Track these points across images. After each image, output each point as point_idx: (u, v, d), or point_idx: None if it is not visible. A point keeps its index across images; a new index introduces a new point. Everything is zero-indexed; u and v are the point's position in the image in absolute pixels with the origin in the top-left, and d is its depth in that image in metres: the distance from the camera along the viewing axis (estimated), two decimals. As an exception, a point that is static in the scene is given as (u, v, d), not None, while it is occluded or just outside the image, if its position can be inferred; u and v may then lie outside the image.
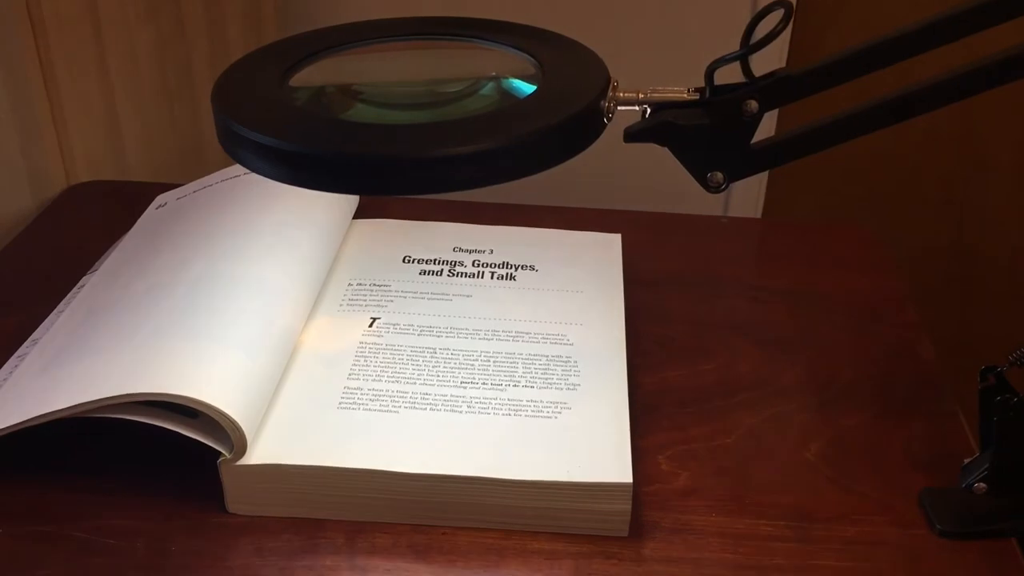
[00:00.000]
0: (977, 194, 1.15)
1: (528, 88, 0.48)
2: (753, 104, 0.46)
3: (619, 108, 0.47)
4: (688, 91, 0.47)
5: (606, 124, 0.47)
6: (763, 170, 0.48)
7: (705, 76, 0.46)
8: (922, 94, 0.45)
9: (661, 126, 0.47)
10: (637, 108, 0.48)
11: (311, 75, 0.51)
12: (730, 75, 0.47)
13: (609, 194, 0.92)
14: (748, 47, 0.44)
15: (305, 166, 0.44)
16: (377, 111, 0.51)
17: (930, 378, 0.64)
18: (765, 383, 0.63)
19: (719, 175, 0.48)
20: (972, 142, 1.12)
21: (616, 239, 0.72)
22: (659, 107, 0.47)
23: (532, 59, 0.50)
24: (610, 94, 0.47)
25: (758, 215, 1.12)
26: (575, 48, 0.51)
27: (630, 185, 0.97)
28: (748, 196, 1.09)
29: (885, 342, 0.67)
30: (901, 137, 1.02)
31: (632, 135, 0.47)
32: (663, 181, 0.94)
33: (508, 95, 0.50)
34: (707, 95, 0.47)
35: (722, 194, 1.08)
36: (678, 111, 0.47)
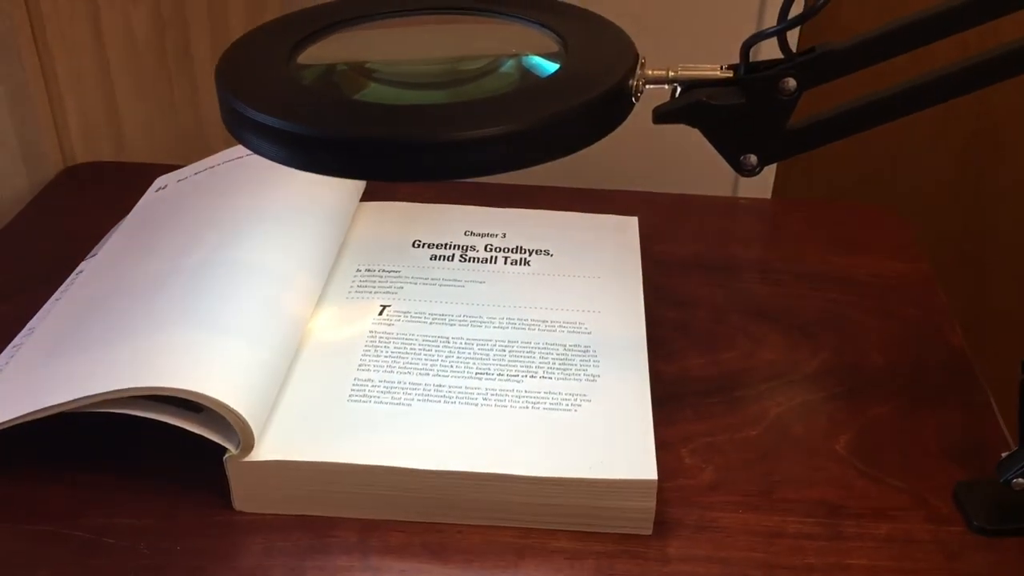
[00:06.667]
0: (993, 170, 1.13)
1: (551, 66, 0.46)
2: (791, 82, 0.43)
3: (647, 87, 0.45)
4: (721, 68, 0.45)
5: (634, 104, 0.44)
6: (800, 152, 0.46)
7: (740, 52, 0.44)
8: (985, 66, 0.42)
9: (693, 106, 0.44)
10: (666, 87, 0.45)
11: (321, 52, 0.48)
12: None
13: (612, 174, 0.90)
14: (787, 21, 0.41)
15: (315, 149, 0.42)
16: (391, 91, 0.49)
17: (960, 364, 0.62)
18: (790, 371, 0.61)
19: (753, 158, 0.46)
20: (987, 117, 1.10)
21: (633, 222, 0.70)
22: (690, 85, 0.45)
23: (554, 35, 0.47)
24: (638, 72, 0.44)
25: (768, 193, 1.09)
26: (599, 23, 0.48)
27: (634, 164, 0.94)
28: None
29: (912, 326, 0.65)
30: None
31: (662, 115, 0.45)
32: (667, 161, 0.92)
33: (529, 74, 0.47)
34: (742, 72, 0.44)
35: (730, 171, 1.06)
36: (711, 90, 0.44)
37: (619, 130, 0.45)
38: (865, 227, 0.76)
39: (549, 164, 0.43)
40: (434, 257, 0.65)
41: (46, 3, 0.74)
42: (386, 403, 0.53)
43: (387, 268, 0.64)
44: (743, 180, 1.05)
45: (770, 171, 1.07)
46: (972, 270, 1.18)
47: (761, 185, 1.07)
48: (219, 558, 0.49)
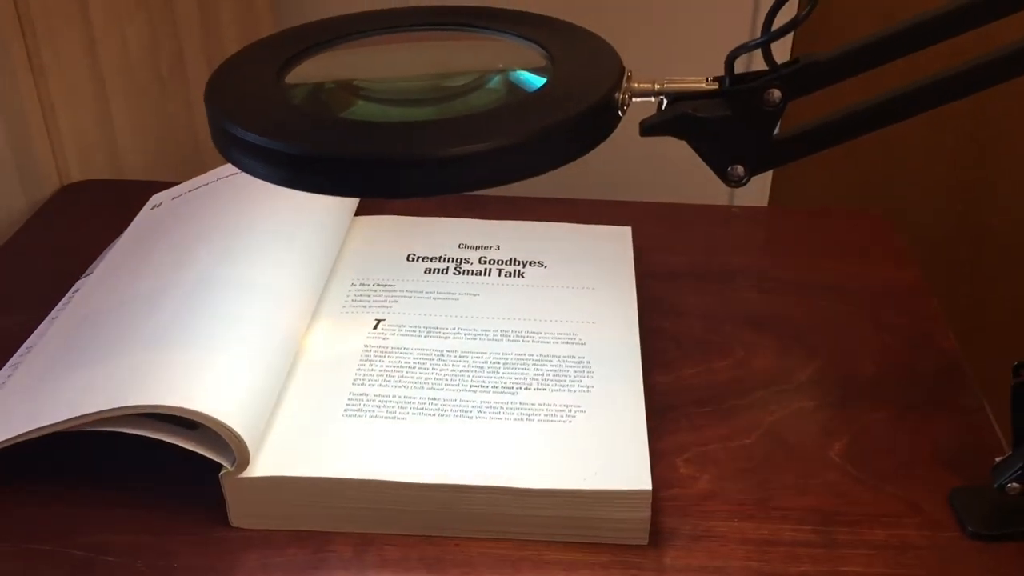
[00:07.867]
0: (986, 176, 1.13)
1: (537, 81, 0.46)
2: (776, 93, 0.44)
3: (634, 100, 0.45)
4: (707, 80, 0.45)
5: (621, 117, 0.44)
6: (787, 162, 0.46)
7: (725, 64, 0.44)
8: (976, 71, 0.42)
9: (679, 118, 0.45)
10: (652, 100, 0.46)
11: (309, 71, 0.48)
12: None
13: (611, 184, 0.90)
14: (770, 33, 0.42)
15: (304, 168, 0.42)
16: (379, 108, 0.49)
17: (954, 370, 0.62)
18: (784, 379, 0.61)
19: (740, 168, 0.46)
20: (981, 121, 1.10)
21: (627, 232, 0.70)
22: (676, 98, 0.45)
23: (541, 49, 0.48)
24: (624, 85, 0.45)
25: (765, 200, 1.10)
26: (585, 37, 0.48)
27: (631, 175, 0.95)
28: (754, 181, 1.07)
29: (905, 333, 0.65)
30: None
31: (648, 128, 0.45)
32: (665, 170, 0.92)
33: (516, 89, 0.48)
34: (727, 84, 0.44)
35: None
36: (697, 102, 0.45)
37: (613, 140, 0.45)
38: (858, 234, 0.76)
39: (541, 176, 0.43)
40: (428, 270, 0.66)
41: (40, 22, 0.74)
42: (381, 417, 0.53)
43: (381, 282, 0.64)
44: (738, 188, 1.06)
45: (766, 179, 1.07)
46: (966, 275, 1.18)
47: (757, 193, 1.07)
48: (216, 574, 0.49)
